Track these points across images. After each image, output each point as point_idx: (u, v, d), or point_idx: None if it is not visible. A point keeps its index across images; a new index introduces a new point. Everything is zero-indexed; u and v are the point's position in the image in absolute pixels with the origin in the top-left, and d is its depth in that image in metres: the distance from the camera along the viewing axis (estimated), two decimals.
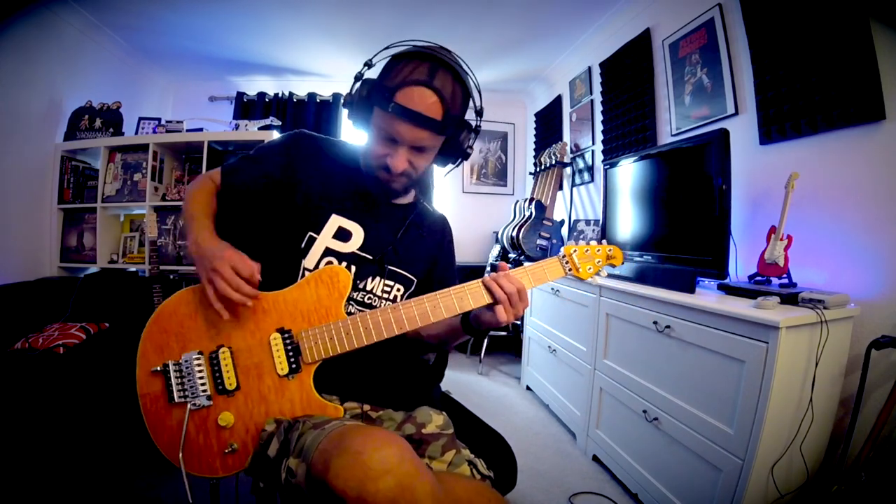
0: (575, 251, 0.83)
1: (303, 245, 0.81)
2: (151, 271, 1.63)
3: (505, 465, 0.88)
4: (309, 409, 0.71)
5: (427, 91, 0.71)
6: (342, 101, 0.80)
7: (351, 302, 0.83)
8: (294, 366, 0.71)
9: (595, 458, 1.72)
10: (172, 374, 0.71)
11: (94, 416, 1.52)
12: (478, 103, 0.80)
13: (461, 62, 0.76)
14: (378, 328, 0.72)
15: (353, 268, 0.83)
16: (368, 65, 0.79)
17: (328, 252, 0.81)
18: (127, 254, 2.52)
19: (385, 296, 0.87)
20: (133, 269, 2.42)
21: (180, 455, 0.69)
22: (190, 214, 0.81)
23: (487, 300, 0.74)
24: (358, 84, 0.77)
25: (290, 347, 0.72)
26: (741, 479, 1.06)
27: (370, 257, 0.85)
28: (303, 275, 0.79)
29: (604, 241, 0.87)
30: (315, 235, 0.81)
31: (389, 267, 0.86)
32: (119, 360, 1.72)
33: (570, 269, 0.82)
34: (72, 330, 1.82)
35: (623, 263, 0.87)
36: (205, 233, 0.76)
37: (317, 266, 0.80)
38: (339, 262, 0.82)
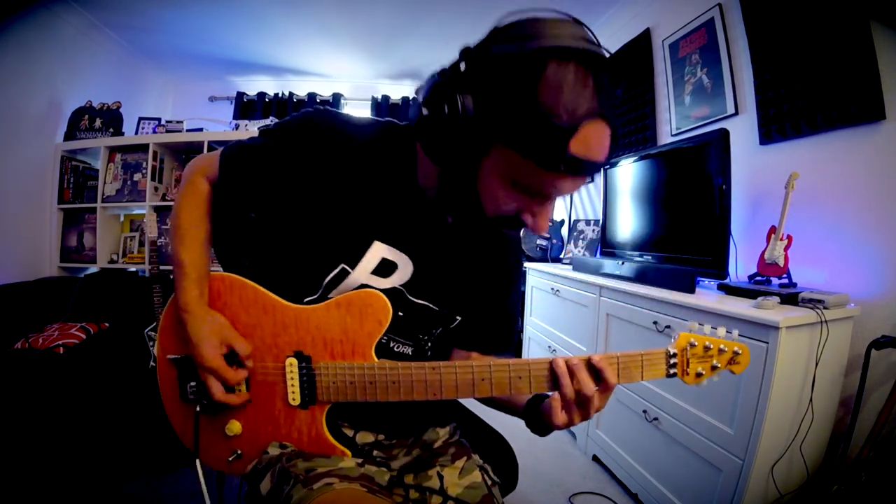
0: (692, 345, 0.58)
1: (330, 277, 0.64)
2: (151, 271, 1.63)
3: (506, 465, 0.88)
4: (316, 447, 0.64)
5: (603, 127, 0.46)
6: (418, 118, 0.51)
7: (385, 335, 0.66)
8: (307, 399, 0.64)
9: (595, 458, 1.72)
10: (187, 370, 0.68)
11: (95, 416, 1.52)
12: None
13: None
14: (408, 387, 0.60)
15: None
16: (469, 55, 0.49)
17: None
18: (127, 254, 2.52)
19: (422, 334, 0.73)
20: (133, 269, 2.43)
21: (197, 460, 0.68)
22: (176, 252, 0.65)
23: (547, 389, 0.57)
24: (468, 102, 0.46)
25: (305, 378, 0.63)
26: (741, 479, 1.07)
27: (433, 308, 0.69)
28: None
29: (733, 333, 0.60)
30: (349, 269, 0.64)
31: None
32: (119, 360, 1.73)
33: (674, 373, 0.59)
34: (72, 330, 1.82)
35: (744, 371, 0.61)
36: (190, 295, 0.64)
37: None
38: None
